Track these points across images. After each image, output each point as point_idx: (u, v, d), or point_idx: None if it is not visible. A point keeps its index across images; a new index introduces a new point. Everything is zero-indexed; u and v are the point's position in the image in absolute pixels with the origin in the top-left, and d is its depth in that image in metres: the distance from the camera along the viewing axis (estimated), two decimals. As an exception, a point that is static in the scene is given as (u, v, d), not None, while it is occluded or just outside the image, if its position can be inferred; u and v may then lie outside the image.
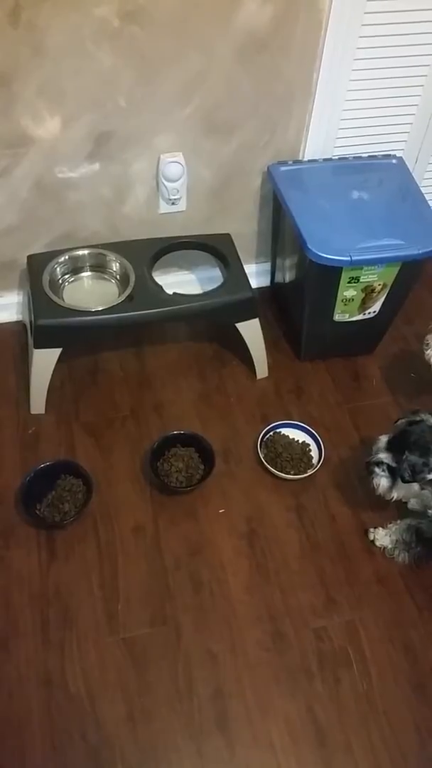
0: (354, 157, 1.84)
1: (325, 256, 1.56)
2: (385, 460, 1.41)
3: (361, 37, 1.60)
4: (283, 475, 1.67)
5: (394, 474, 1.42)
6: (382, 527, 1.58)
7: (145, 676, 1.36)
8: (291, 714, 1.33)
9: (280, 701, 1.35)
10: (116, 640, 1.40)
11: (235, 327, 1.77)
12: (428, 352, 1.67)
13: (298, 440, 1.75)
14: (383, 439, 1.44)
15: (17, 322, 1.99)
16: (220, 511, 1.62)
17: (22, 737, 1.28)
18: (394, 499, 1.46)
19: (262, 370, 1.90)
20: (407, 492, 1.44)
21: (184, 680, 1.36)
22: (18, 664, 1.36)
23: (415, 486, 1.42)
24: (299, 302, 1.81)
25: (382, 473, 1.43)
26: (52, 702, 1.32)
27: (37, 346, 1.65)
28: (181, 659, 1.39)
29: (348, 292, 1.69)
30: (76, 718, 1.30)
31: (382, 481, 1.43)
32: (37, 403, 1.76)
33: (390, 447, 1.42)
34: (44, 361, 1.68)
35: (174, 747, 1.28)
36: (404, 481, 1.40)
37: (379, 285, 1.69)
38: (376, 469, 1.43)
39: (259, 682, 1.37)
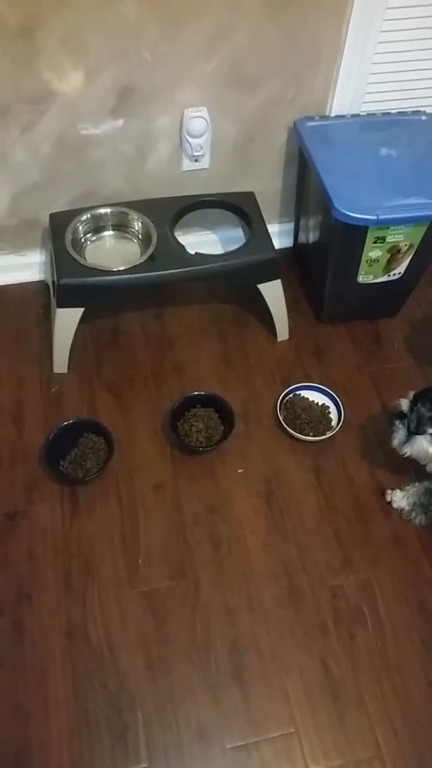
0: (383, 113, 1.79)
1: (351, 214, 1.54)
2: (405, 411, 1.42)
3: (393, -15, 1.54)
4: (302, 436, 1.68)
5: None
6: (400, 489, 1.59)
7: (164, 628, 1.40)
8: (306, 668, 1.37)
9: (295, 655, 1.38)
10: (136, 592, 1.44)
11: (257, 288, 1.76)
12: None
13: (317, 402, 1.75)
14: (411, 393, 1.44)
15: (40, 282, 2.00)
16: (239, 471, 1.64)
17: (45, 684, 1.32)
18: (407, 455, 1.45)
19: (283, 332, 1.89)
20: (420, 451, 1.43)
21: (201, 633, 1.40)
22: (41, 615, 1.40)
23: (431, 449, 1.42)
24: (323, 263, 1.79)
25: (401, 426, 1.43)
26: (74, 651, 1.36)
27: (60, 305, 1.66)
28: (199, 612, 1.42)
29: (373, 252, 1.66)
30: (97, 666, 1.35)
31: (398, 433, 1.43)
32: (60, 363, 1.78)
33: (413, 401, 1.42)
34: (67, 320, 1.69)
35: (191, 696, 1.32)
36: (410, 431, 1.41)
37: (405, 245, 1.66)
38: (396, 422, 1.43)
39: (275, 636, 1.40)
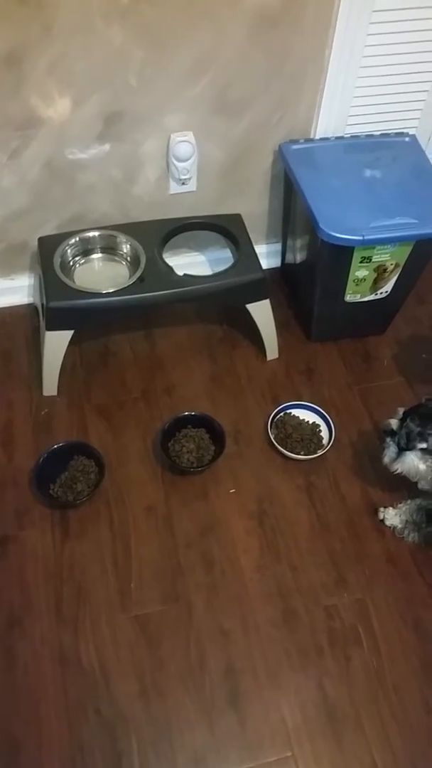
0: (366, 135, 1.82)
1: (337, 235, 1.55)
2: (396, 429, 1.42)
3: (374, 11, 1.57)
4: (294, 455, 1.68)
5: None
6: (392, 507, 1.59)
7: (157, 653, 1.38)
8: (302, 690, 1.35)
9: (291, 677, 1.37)
10: (129, 617, 1.42)
11: (246, 308, 1.77)
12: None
13: (308, 421, 1.75)
14: (400, 410, 1.44)
15: (29, 305, 2.00)
16: (231, 491, 1.63)
17: (38, 712, 1.30)
18: (398, 472, 1.45)
19: (272, 351, 1.90)
20: (411, 467, 1.43)
21: (196, 656, 1.38)
22: (33, 641, 1.39)
23: (421, 465, 1.41)
24: (310, 283, 1.81)
25: (391, 442, 1.43)
26: (67, 678, 1.34)
27: (49, 328, 1.66)
28: (193, 636, 1.41)
29: (360, 272, 1.68)
30: (91, 693, 1.33)
31: (389, 450, 1.44)
32: (50, 386, 1.77)
33: (403, 417, 1.42)
34: (56, 343, 1.69)
35: (186, 722, 1.30)
36: (399, 447, 1.41)
37: (392, 264, 1.68)
38: (387, 439, 1.44)
39: (270, 658, 1.39)
